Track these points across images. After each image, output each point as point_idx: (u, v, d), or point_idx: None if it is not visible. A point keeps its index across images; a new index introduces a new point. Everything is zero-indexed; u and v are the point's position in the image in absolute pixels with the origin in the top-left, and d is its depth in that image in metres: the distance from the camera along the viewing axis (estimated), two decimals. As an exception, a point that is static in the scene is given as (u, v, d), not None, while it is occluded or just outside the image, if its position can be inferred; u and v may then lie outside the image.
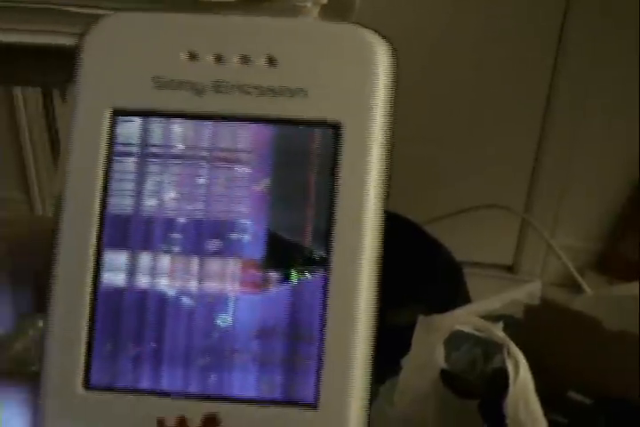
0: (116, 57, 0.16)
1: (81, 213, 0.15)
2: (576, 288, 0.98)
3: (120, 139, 0.16)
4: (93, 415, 0.16)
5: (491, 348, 0.62)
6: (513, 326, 0.64)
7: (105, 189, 0.15)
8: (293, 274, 0.15)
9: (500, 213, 1.08)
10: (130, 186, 0.16)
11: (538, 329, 0.69)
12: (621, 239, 1.12)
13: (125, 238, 0.15)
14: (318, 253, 0.15)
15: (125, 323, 0.15)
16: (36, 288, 0.18)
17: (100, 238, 0.16)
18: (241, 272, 0.15)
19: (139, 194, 0.16)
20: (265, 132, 0.16)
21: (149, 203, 0.15)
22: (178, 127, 0.16)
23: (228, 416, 0.15)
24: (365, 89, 0.15)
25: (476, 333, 0.61)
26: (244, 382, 0.15)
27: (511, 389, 0.56)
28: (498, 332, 0.60)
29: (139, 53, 0.16)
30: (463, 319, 0.61)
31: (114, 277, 0.16)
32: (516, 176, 1.12)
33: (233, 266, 0.15)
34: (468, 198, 1.08)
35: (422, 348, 0.62)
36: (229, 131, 0.16)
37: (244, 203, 0.15)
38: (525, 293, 0.74)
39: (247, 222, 0.15)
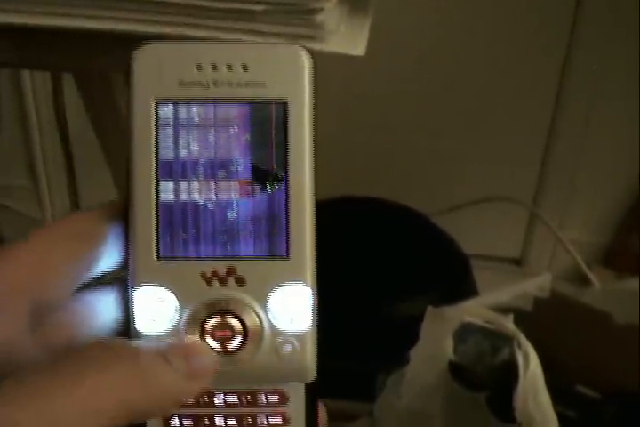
0: (154, 69, 0.28)
1: (144, 161, 0.28)
2: (584, 282, 0.98)
3: (161, 117, 0.29)
4: (164, 276, 0.28)
5: (498, 340, 0.62)
6: (522, 319, 0.64)
7: (156, 147, 0.29)
8: (268, 186, 0.29)
9: (508, 206, 1.07)
10: (170, 143, 0.29)
11: (547, 322, 0.69)
12: (630, 233, 1.11)
13: (171, 173, 0.29)
14: (281, 173, 0.28)
15: (176, 221, 0.29)
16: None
17: (157, 175, 0.28)
18: (239, 187, 0.29)
19: (176, 148, 0.29)
20: (245, 107, 0.29)
21: (183, 153, 0.29)
22: (194, 108, 0.29)
23: (240, 267, 0.28)
24: (299, 81, 0.28)
25: (486, 325, 0.61)
26: (246, 247, 0.29)
27: (521, 381, 0.56)
28: (508, 324, 0.59)
29: (169, 66, 0.28)
30: (473, 311, 0.61)
31: (167, 195, 0.29)
32: (525, 169, 1.11)
33: (234, 184, 0.29)
34: (476, 191, 1.08)
35: (431, 340, 0.62)
36: (225, 108, 0.29)
37: (237, 148, 0.29)
38: (535, 286, 0.74)
39: (240, 159, 0.29)
